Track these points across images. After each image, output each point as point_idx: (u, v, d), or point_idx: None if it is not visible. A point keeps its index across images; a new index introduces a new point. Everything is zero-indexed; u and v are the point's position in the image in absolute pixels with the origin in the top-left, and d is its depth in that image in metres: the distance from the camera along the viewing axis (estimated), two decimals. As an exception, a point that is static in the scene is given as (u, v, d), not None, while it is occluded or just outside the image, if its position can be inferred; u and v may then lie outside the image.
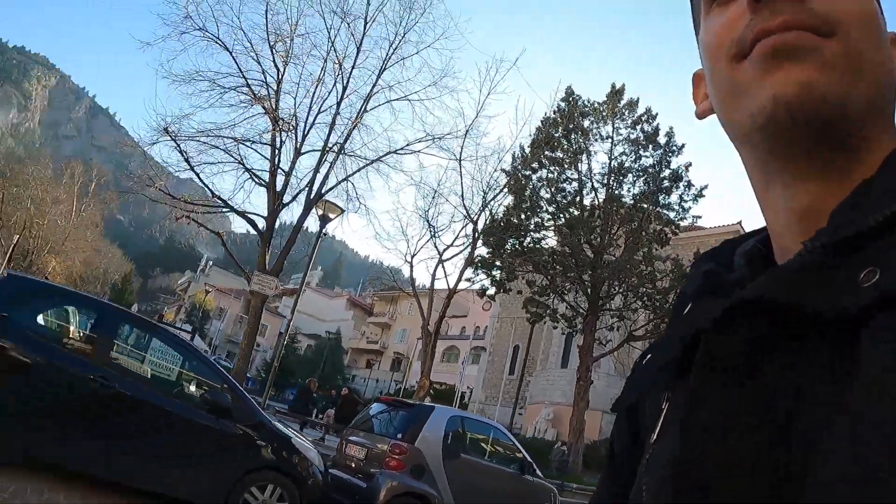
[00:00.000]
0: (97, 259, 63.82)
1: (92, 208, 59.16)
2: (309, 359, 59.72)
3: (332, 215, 15.66)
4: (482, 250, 21.88)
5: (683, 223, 18.85)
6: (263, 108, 17.94)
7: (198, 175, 18.28)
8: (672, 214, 18.22)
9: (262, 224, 18.12)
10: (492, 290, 22.50)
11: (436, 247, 23.20)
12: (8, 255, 39.60)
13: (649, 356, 0.65)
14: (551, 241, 20.25)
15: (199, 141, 18.15)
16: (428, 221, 23.03)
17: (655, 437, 0.58)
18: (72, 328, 7.35)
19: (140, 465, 6.72)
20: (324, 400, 28.98)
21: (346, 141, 18.58)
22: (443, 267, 23.27)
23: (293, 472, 7.18)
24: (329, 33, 18.68)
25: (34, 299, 7.16)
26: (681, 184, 18.26)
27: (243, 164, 18.38)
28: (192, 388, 7.37)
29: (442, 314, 22.49)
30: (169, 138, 17.78)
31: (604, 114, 18.67)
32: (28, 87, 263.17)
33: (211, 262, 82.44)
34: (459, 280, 22.81)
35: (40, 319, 6.96)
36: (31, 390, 6.40)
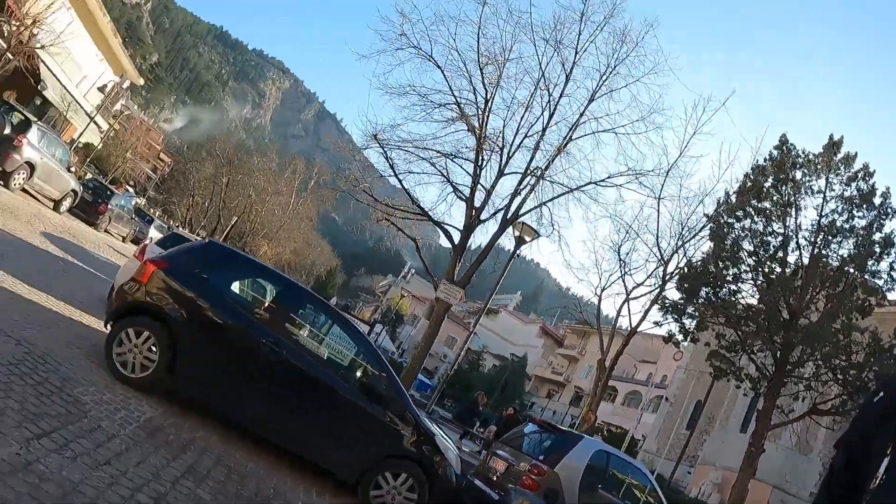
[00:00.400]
0: (306, 251, 68.46)
1: (308, 203, 62.48)
2: (491, 377, 60.79)
3: (527, 238, 16.21)
4: (672, 292, 21.40)
5: (890, 295, 17.11)
6: (468, 125, 18.90)
7: (401, 182, 19.44)
8: (880, 283, 16.63)
9: (457, 236, 19.12)
10: (679, 337, 21.88)
11: (624, 283, 23.06)
12: (225, 234, 44.44)
13: None
14: (747, 295, 19.26)
15: (405, 150, 19.40)
16: (619, 256, 22.99)
17: None
18: (255, 294, 8.20)
19: (291, 428, 7.36)
20: (491, 416, 29.64)
21: (547, 167, 19.01)
22: (628, 305, 23.10)
23: (429, 466, 7.37)
24: (539, 60, 19.11)
25: (228, 265, 8.11)
26: (893, 251, 16.62)
27: (447, 177, 19.37)
28: (353, 369, 7.86)
29: (620, 351, 22.36)
30: (378, 145, 19.19)
31: (818, 167, 17.37)
32: (263, 87, 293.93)
33: (413, 271, 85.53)
34: (642, 320, 22.49)
35: (231, 283, 7.84)
36: (213, 345, 7.30)
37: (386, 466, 7.35)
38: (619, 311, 23.92)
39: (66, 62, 28.01)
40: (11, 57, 22.82)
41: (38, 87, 26.15)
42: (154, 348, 6.98)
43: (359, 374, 7.78)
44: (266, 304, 8.05)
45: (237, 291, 7.93)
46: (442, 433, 8.22)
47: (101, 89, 33.98)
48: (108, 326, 7.45)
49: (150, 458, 5.25)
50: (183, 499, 4.86)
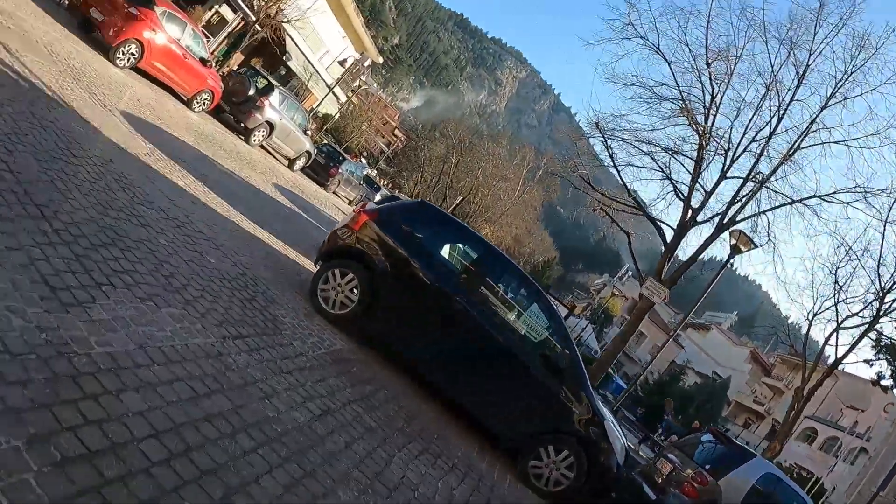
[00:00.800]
0: (527, 238, 68.86)
1: (534, 192, 62.16)
2: (690, 393, 57.82)
3: (743, 248, 15.13)
4: (889, 328, 18.87)
5: None
6: (692, 123, 17.98)
7: (619, 173, 19.00)
8: None
9: (670, 236, 18.37)
10: (889, 382, 19.25)
11: (836, 310, 20.62)
12: (450, 212, 46.07)
13: None
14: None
15: (627, 142, 19.00)
16: (835, 279, 20.59)
17: None
18: (456, 255, 8.48)
19: (469, 387, 7.53)
20: (677, 427, 28.25)
21: (771, 174, 17.58)
22: (836, 335, 20.70)
23: (592, 449, 7.24)
24: (771, 61, 17.65)
25: (436, 225, 8.41)
26: None
27: (667, 175, 18.67)
28: (539, 341, 7.89)
29: (818, 383, 20.21)
30: (599, 133, 18.87)
31: None
32: (500, 75, 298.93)
33: (630, 273, 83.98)
34: (847, 354, 20.05)
35: (435, 241, 8.15)
36: (409, 296, 7.59)
37: (550, 440, 7.32)
38: (826, 341, 21.45)
39: (310, 37, 30.69)
40: (259, 28, 25.43)
41: (283, 57, 28.97)
42: (355, 290, 7.52)
43: (543, 347, 7.80)
44: (465, 266, 8.32)
45: (440, 250, 8.24)
46: (614, 422, 7.96)
47: (342, 64, 36.79)
48: (317, 265, 8.14)
49: (329, 380, 5.66)
50: (349, 419, 5.17)
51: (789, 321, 28.95)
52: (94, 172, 6.33)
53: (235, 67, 25.66)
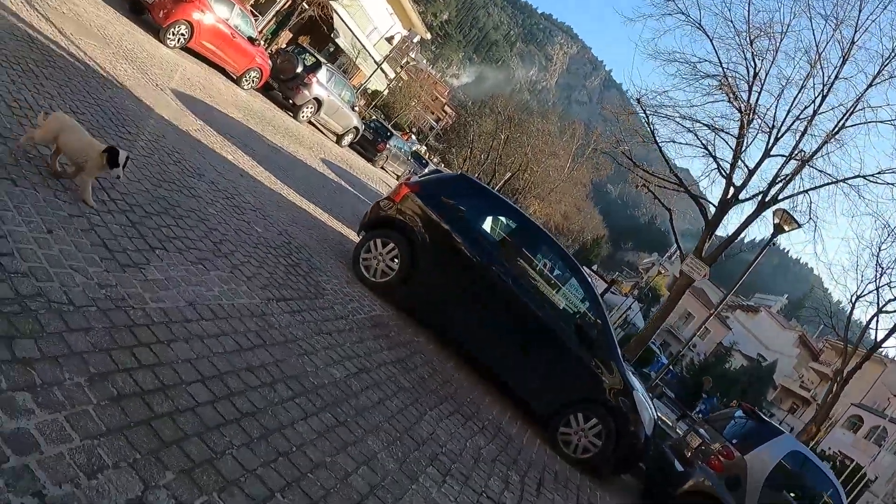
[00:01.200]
0: (576, 216, 68.20)
1: (583, 169, 61.20)
2: (734, 375, 56.98)
3: (786, 227, 14.93)
4: None
5: None
6: (735, 99, 17.70)
7: (660, 149, 18.76)
8: None
9: (711, 212, 18.14)
10: None
11: (878, 293, 20.12)
12: (498, 188, 46.00)
13: None
14: None
15: (670, 118, 18.77)
16: (878, 262, 20.04)
17: None
18: (495, 227, 8.66)
19: (502, 355, 7.80)
20: (715, 406, 27.92)
21: (815, 152, 17.18)
22: (877, 319, 20.21)
23: (621, 419, 7.36)
24: (816, 38, 17.22)
25: (475, 197, 8.62)
26: None
27: (709, 151, 18.43)
28: (572, 312, 8.06)
29: (857, 366, 19.82)
30: (641, 109, 18.76)
31: None
32: (550, 51, 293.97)
33: (688, 257, 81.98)
34: (886, 338, 19.61)
35: (474, 213, 8.36)
36: (447, 265, 7.86)
37: (580, 408, 7.49)
38: (867, 324, 20.98)
39: (357, 14, 30.93)
40: (307, 6, 25.78)
41: (331, 35, 29.29)
42: (396, 259, 7.84)
43: (576, 317, 7.99)
44: (503, 238, 8.53)
45: (478, 222, 8.46)
46: (644, 393, 8.08)
47: (389, 40, 36.98)
48: (360, 235, 8.47)
49: (367, 342, 5.97)
50: (384, 378, 5.48)
51: (837, 304, 28.32)
52: (148, 147, 6.73)
53: (283, 45, 26.13)
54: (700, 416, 21.92)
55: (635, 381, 8.00)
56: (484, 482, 5.05)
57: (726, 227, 19.00)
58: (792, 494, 7.73)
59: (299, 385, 4.19)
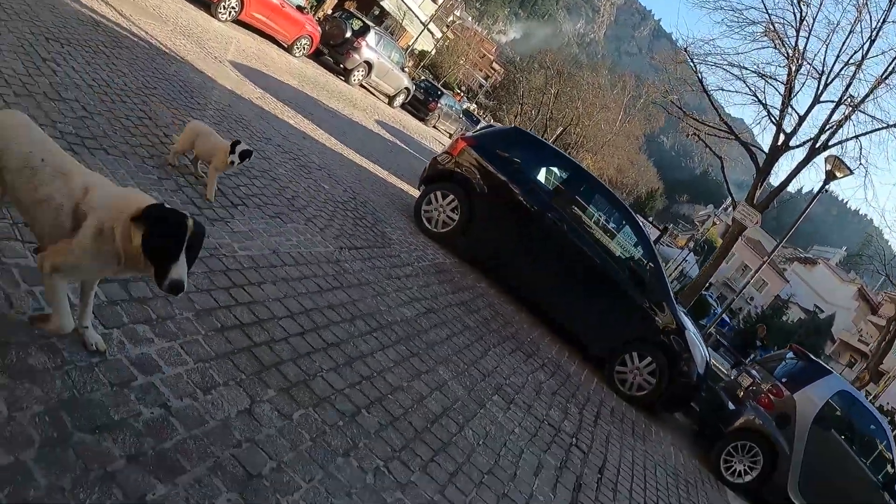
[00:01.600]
0: (630, 169, 67.04)
1: (635, 121, 60.76)
2: (790, 329, 55.65)
3: (838, 173, 14.58)
4: None
5: None
6: (783, 46, 17.28)
7: (709, 97, 18.71)
8: None
9: (761, 159, 17.89)
10: None
11: None
12: (550, 143, 45.48)
13: None
14: None
15: (717, 66, 18.63)
16: None
17: None
18: (548, 176, 8.91)
19: (559, 298, 8.10)
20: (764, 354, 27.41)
21: (865, 97, 16.60)
22: None
23: (673, 357, 7.54)
24: None
25: (529, 148, 8.87)
26: None
27: (758, 98, 18.18)
28: (625, 255, 8.25)
29: None
30: (688, 58, 18.67)
31: None
32: (597, 2, 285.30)
33: (739, 205, 79.84)
34: None
35: (529, 163, 8.57)
36: (504, 214, 8.12)
37: (634, 347, 7.71)
38: None
39: (400, -25, 30.83)
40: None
41: (376, -2, 29.36)
42: (455, 210, 8.15)
43: (629, 261, 8.18)
44: (557, 186, 8.73)
45: (533, 172, 8.70)
46: (696, 333, 8.18)
47: (434, 0, 36.79)
48: (420, 188, 8.80)
49: (432, 286, 6.31)
50: (451, 318, 5.83)
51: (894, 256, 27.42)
52: (217, 115, 7.14)
53: (330, 12, 26.36)
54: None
55: (687, 321, 8.15)
56: (545, 411, 5.37)
57: (777, 176, 18.73)
58: (842, 435, 7.75)
59: (375, 321, 4.56)
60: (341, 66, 19.32)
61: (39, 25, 5.91)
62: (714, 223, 72.93)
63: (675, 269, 41.66)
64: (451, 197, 8.23)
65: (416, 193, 9.43)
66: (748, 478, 7.57)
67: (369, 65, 19.79)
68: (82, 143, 4.28)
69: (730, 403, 8.50)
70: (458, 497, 3.33)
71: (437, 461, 3.51)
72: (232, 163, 4.67)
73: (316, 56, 18.81)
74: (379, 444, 3.28)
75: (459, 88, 62.85)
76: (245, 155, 4.73)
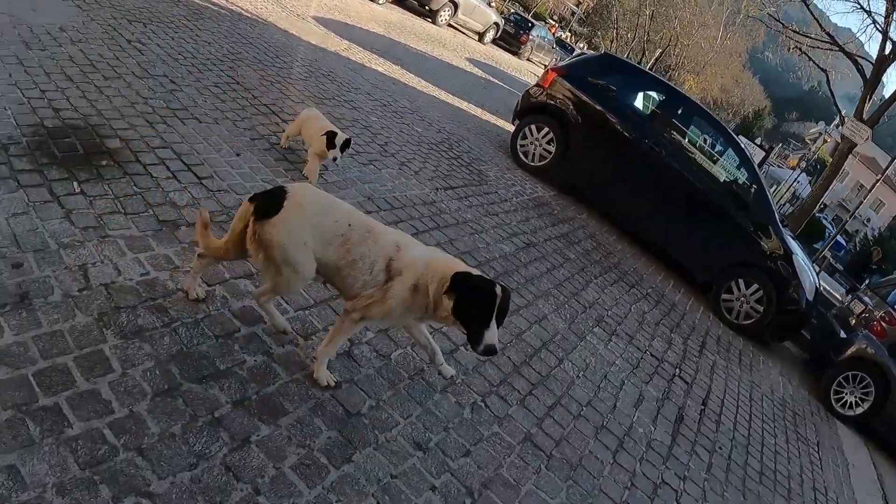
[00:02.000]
0: (734, 88, 63.32)
1: (737, 38, 56.53)
2: None
3: None
4: None
5: None
6: None
7: (808, 6, 17.34)
8: None
9: (869, 71, 16.27)
10: None
11: None
12: (649, 67, 43.50)
13: None
14: None
15: None
16: None
17: None
18: (643, 101, 8.49)
19: (661, 225, 7.78)
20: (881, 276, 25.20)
21: None
22: None
23: (781, 283, 7.14)
24: None
25: (621, 74, 8.47)
26: None
27: (861, 4, 16.62)
28: (727, 178, 7.81)
29: None
30: None
31: None
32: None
33: (847, 120, 73.78)
34: None
35: (622, 89, 8.18)
36: (600, 142, 7.87)
37: (740, 273, 7.34)
38: None
39: None
40: None
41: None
42: (551, 143, 7.96)
43: (732, 184, 7.73)
44: (653, 111, 8.36)
45: (627, 97, 8.32)
46: (804, 258, 7.65)
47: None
48: (514, 123, 8.62)
49: (531, 220, 6.22)
50: (550, 251, 5.73)
51: None
52: (305, 72, 7.21)
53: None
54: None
55: (795, 246, 7.65)
56: (648, 342, 5.22)
57: (888, 87, 17.05)
58: None
59: (472, 259, 4.54)
60: (427, 7, 19.04)
61: (120, 9, 6.13)
62: (825, 141, 67.88)
63: (787, 190, 39.17)
64: (546, 129, 8.03)
65: (511, 129, 9.25)
66: (859, 410, 7.02)
67: (455, 3, 19.40)
68: (174, 115, 4.44)
69: (841, 331, 7.99)
70: (555, 430, 3.31)
71: (534, 394, 3.50)
72: (335, 159, 4.41)
73: (399, 1, 18.63)
74: (477, 380, 3.30)
75: (551, 18, 60.74)
76: (346, 145, 4.46)
